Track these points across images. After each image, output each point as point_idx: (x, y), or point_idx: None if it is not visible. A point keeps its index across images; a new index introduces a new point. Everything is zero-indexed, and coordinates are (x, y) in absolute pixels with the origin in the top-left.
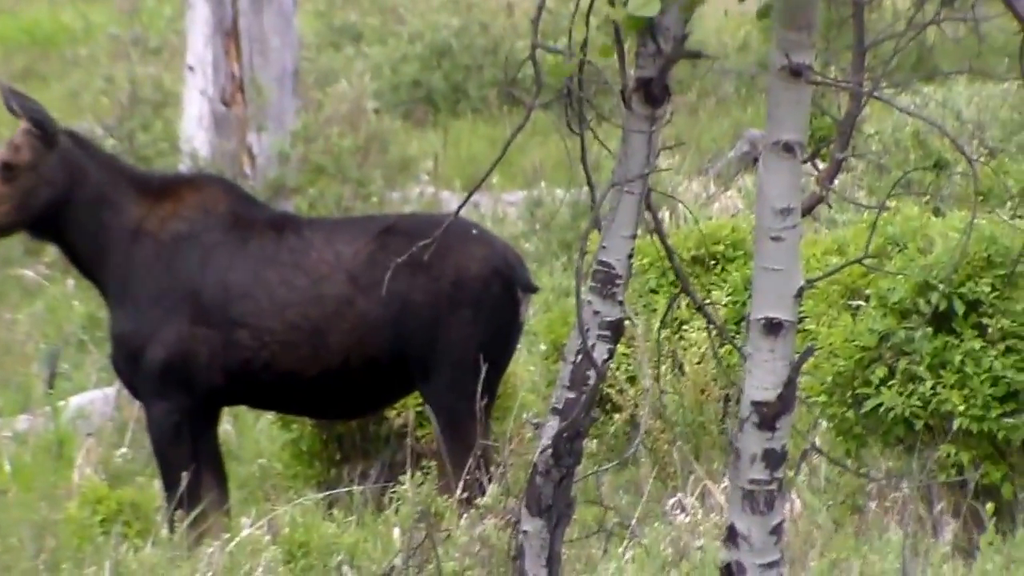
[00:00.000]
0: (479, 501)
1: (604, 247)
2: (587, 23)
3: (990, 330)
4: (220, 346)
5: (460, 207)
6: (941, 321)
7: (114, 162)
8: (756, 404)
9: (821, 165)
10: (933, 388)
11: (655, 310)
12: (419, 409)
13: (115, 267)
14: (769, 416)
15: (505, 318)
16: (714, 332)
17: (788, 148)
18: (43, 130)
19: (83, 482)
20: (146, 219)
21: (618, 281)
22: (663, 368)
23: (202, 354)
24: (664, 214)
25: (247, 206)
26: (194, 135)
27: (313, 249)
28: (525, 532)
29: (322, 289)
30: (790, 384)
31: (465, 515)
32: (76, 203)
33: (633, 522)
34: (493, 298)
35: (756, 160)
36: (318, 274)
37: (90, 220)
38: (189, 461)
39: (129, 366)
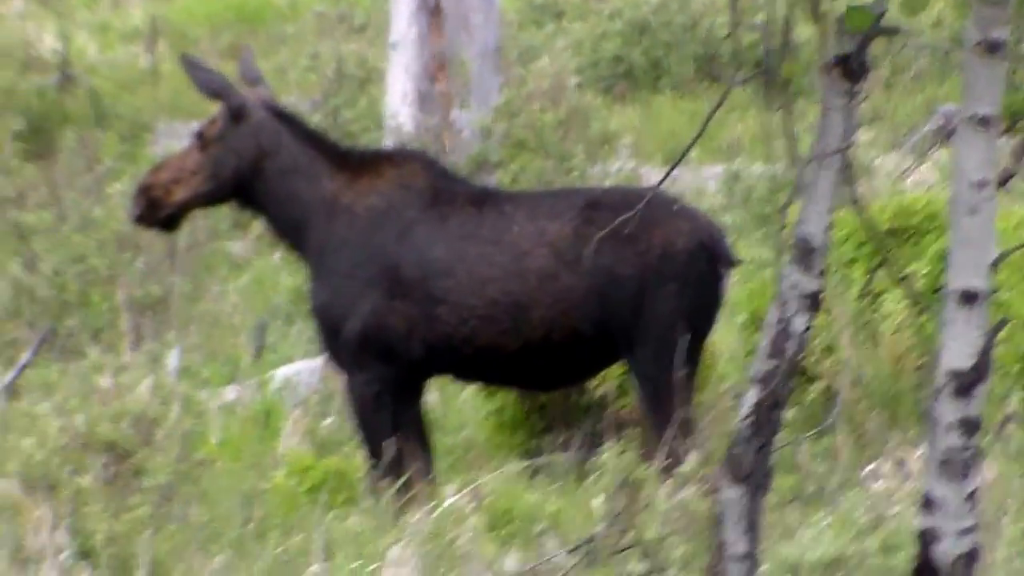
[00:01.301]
0: (679, 469)
1: (803, 220)
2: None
3: None
4: (419, 320)
5: (662, 181)
6: None
7: (313, 136)
8: (952, 373)
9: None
10: None
11: (852, 281)
12: (620, 379)
13: (313, 240)
14: (965, 385)
15: (708, 291)
16: (912, 303)
17: (984, 122)
18: (225, 102)
19: (290, 452)
20: (342, 193)
21: (816, 254)
22: (860, 338)
23: (400, 327)
24: (860, 187)
25: (447, 181)
26: (398, 111)
27: (515, 224)
28: (725, 500)
29: (524, 264)
30: (986, 353)
31: (665, 483)
32: (268, 174)
33: (830, 489)
34: (698, 272)
35: (950, 134)
36: (520, 249)
37: (283, 191)
38: (391, 431)
39: (328, 338)
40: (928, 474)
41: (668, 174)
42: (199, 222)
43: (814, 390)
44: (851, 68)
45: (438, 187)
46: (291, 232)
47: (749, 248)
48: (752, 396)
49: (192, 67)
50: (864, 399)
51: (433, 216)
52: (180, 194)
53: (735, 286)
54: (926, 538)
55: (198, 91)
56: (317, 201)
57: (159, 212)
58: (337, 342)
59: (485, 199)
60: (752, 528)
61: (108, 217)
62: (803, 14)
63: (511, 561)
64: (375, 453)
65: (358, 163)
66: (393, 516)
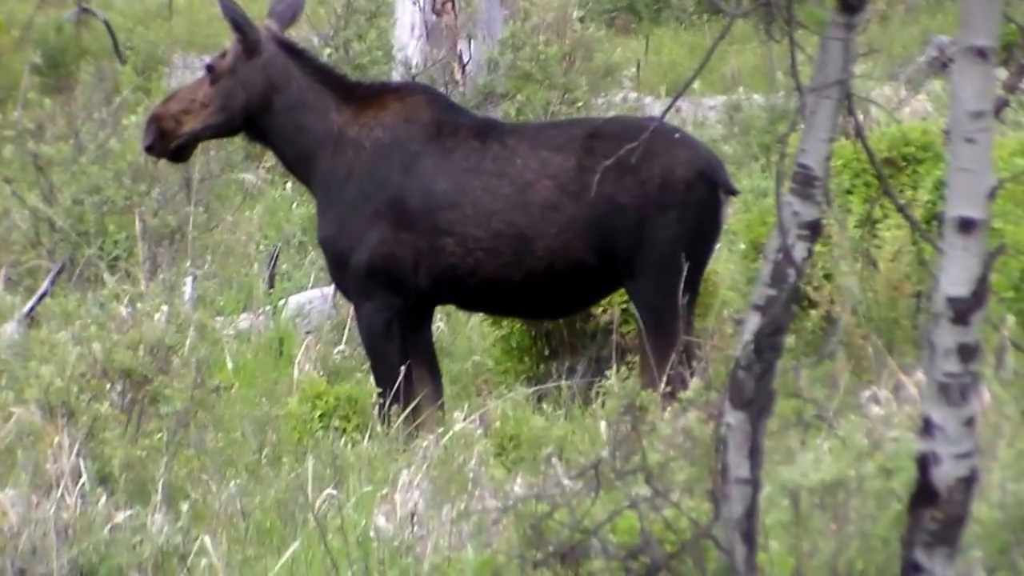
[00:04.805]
0: (682, 395)
1: (803, 150)
2: None
3: None
4: (425, 252)
5: (664, 112)
6: None
7: (321, 71)
8: (950, 299)
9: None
10: None
11: (849, 210)
12: (624, 306)
13: (321, 173)
14: (963, 311)
15: (708, 219)
16: (913, 231)
17: (981, 53)
18: (243, 35)
19: (302, 378)
20: (348, 126)
21: (816, 183)
22: (858, 266)
23: (407, 258)
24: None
25: (450, 115)
26: (407, 44)
27: (517, 156)
28: (728, 424)
29: (528, 196)
30: (983, 280)
31: (668, 408)
32: (277, 108)
33: (829, 414)
34: (698, 200)
35: (944, 65)
36: (523, 181)
37: (291, 125)
38: (400, 358)
39: (337, 269)
40: (926, 399)
41: (671, 106)
42: (213, 153)
43: (813, 317)
44: (850, 0)
45: (442, 120)
46: (300, 165)
47: (748, 178)
48: (753, 323)
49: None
50: (862, 325)
51: (437, 149)
52: (190, 125)
53: (735, 215)
54: (925, 462)
55: (224, 18)
56: (324, 135)
57: (169, 143)
58: (344, 272)
59: (488, 132)
60: (754, 452)
61: (124, 149)
62: None
63: (518, 485)
64: (385, 379)
65: (364, 97)
66: (403, 441)
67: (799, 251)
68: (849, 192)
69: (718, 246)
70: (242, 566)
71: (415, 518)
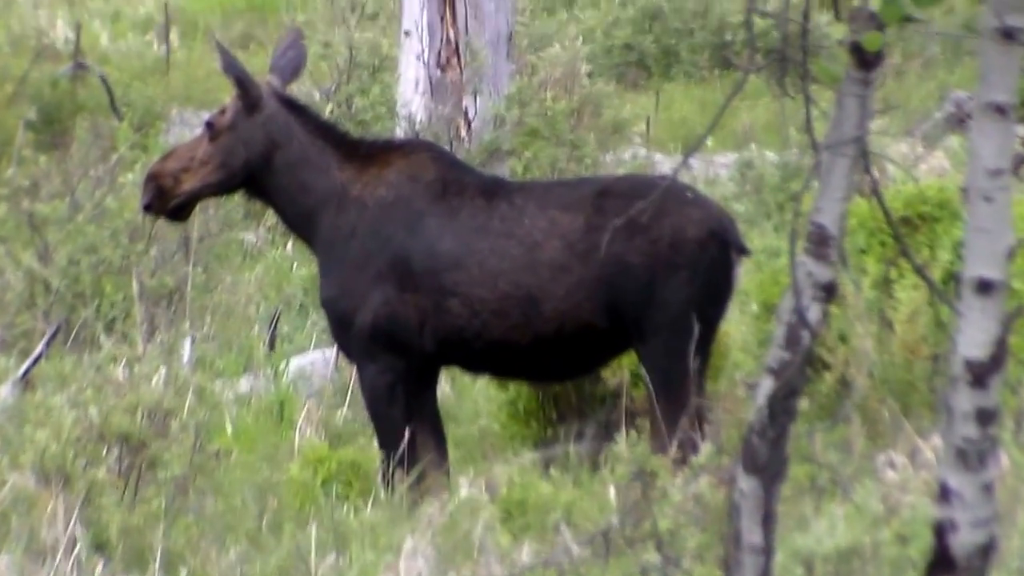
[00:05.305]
0: (693, 460)
1: (818, 208)
2: None
3: None
4: (430, 313)
5: (676, 170)
6: None
7: (323, 127)
8: (968, 362)
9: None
10: None
11: (864, 270)
12: (634, 369)
13: (323, 231)
14: (981, 374)
15: (719, 279)
16: (930, 291)
17: (1000, 110)
18: (244, 91)
19: (304, 443)
20: (352, 184)
21: (831, 242)
22: (873, 327)
23: (411, 320)
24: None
25: (456, 172)
26: (411, 99)
27: (526, 216)
28: (741, 490)
29: (536, 256)
30: (1001, 343)
31: (679, 474)
32: (278, 166)
33: (844, 479)
34: (709, 260)
35: (962, 121)
36: (532, 241)
37: (293, 183)
38: (404, 422)
39: (339, 330)
40: (944, 464)
41: (683, 163)
42: (212, 212)
43: (828, 380)
44: (866, 56)
45: (447, 178)
46: (301, 223)
47: (762, 236)
48: (767, 386)
49: (223, 52)
50: (878, 388)
51: (443, 208)
52: (189, 184)
53: (747, 275)
54: (942, 528)
55: (225, 73)
56: (327, 193)
57: (168, 201)
58: (347, 334)
59: (495, 190)
60: (767, 519)
61: (122, 207)
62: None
63: (525, 553)
64: (389, 444)
65: (367, 154)
66: (407, 507)
67: (813, 313)
68: (864, 252)
69: (730, 307)
70: None
71: None
